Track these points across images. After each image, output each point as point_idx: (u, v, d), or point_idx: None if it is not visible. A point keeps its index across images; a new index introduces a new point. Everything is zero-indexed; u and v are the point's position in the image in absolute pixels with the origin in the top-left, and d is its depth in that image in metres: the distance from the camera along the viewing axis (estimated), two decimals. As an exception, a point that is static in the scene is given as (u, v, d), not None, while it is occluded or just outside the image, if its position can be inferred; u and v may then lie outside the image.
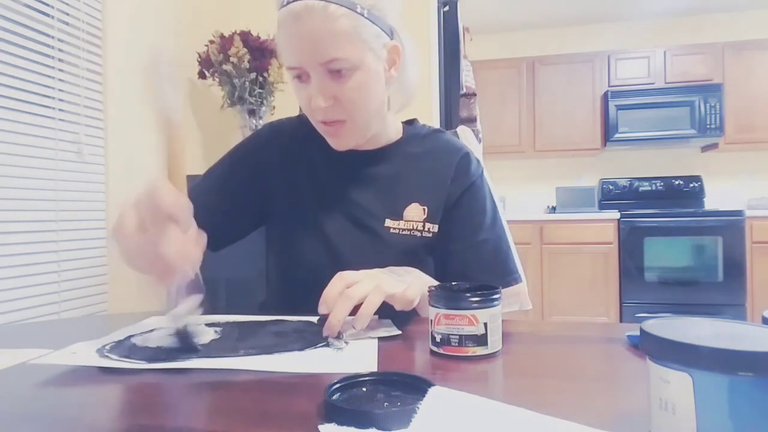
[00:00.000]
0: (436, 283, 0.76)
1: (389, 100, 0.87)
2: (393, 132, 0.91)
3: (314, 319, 0.67)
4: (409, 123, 0.95)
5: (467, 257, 0.85)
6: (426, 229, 0.85)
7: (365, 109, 0.79)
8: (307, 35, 0.71)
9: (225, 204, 0.86)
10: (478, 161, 0.92)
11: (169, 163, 0.57)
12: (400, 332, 0.61)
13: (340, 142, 0.82)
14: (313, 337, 0.58)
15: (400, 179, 0.87)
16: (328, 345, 0.55)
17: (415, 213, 0.85)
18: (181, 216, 0.52)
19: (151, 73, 0.55)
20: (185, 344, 0.55)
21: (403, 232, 0.84)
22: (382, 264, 0.74)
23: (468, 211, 0.87)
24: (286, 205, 0.89)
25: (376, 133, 0.87)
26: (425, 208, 0.86)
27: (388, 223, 0.84)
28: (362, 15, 0.73)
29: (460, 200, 0.87)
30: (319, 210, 0.86)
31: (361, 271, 0.65)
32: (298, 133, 0.92)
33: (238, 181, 0.89)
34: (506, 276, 0.86)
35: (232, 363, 0.50)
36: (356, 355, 0.52)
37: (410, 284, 0.65)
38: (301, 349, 0.54)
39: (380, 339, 0.59)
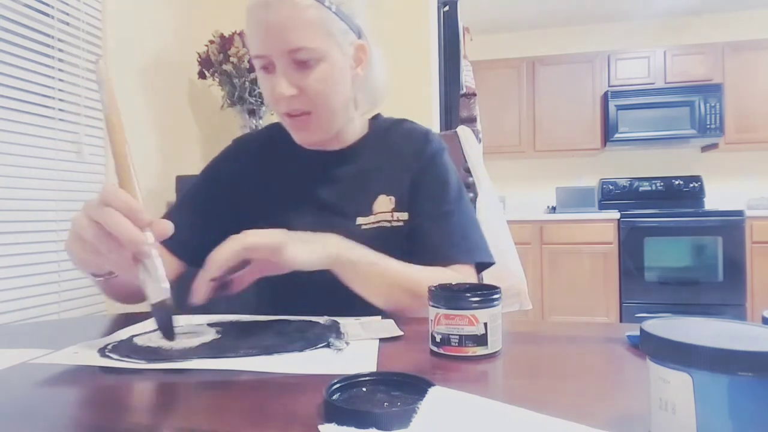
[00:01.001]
0: (352, 245, 0.73)
1: (356, 100, 0.88)
2: (359, 131, 0.92)
3: (319, 319, 0.67)
4: (374, 118, 0.96)
5: (431, 230, 0.84)
6: (395, 218, 0.85)
7: (330, 102, 0.79)
8: (274, 23, 0.73)
9: (199, 221, 0.86)
10: (439, 140, 0.92)
11: (116, 164, 0.57)
12: (401, 333, 0.60)
13: (304, 135, 0.82)
14: (314, 337, 0.58)
15: (367, 175, 0.88)
16: (328, 346, 0.55)
17: (383, 204, 0.85)
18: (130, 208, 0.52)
19: (97, 81, 0.58)
20: (164, 322, 0.55)
21: (374, 226, 0.85)
22: None
23: (429, 186, 0.87)
24: (259, 215, 0.89)
25: (342, 132, 0.88)
26: (392, 197, 0.86)
27: (360, 220, 0.85)
28: (330, 9, 0.75)
29: (421, 178, 0.87)
30: (291, 215, 0.87)
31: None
32: (264, 144, 0.94)
33: (210, 197, 0.91)
34: (472, 251, 0.84)
35: (232, 363, 0.50)
36: (356, 356, 0.52)
37: (292, 239, 0.65)
38: (301, 349, 0.54)
39: (381, 340, 0.59)
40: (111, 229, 0.51)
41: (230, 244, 0.62)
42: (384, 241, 0.83)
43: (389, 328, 0.63)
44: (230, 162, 0.94)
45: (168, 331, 0.55)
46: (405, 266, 0.76)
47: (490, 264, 0.86)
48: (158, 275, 0.54)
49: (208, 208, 0.90)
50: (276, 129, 0.92)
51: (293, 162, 0.90)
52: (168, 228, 0.55)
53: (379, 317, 0.71)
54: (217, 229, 0.89)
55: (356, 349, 0.54)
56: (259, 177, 0.91)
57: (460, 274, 0.80)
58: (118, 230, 0.51)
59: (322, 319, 0.67)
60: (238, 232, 0.92)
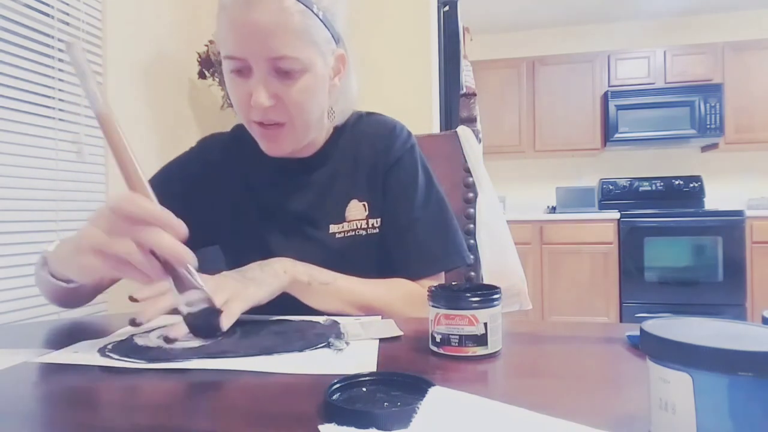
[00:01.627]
0: (305, 267, 0.71)
1: (332, 111, 0.84)
2: (326, 133, 0.87)
3: (319, 319, 0.67)
4: None
5: (394, 244, 0.82)
6: (370, 225, 0.83)
7: (308, 115, 0.74)
8: (257, 26, 0.66)
9: None
10: (408, 134, 0.87)
11: (120, 163, 0.52)
12: (401, 332, 0.60)
13: (275, 147, 0.76)
14: (314, 337, 0.58)
15: (337, 179, 0.84)
16: (328, 346, 0.55)
17: (356, 211, 0.83)
18: (162, 218, 0.50)
19: (73, 66, 0.52)
20: (208, 325, 0.55)
21: (348, 234, 0.82)
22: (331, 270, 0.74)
23: (394, 191, 0.83)
24: (229, 223, 0.86)
25: (312, 140, 0.83)
26: (365, 203, 0.83)
27: (333, 228, 0.82)
28: (317, 16, 0.70)
29: (388, 181, 0.83)
30: (262, 225, 0.84)
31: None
32: (233, 148, 0.88)
33: (167, 198, 0.83)
34: (437, 260, 0.81)
35: (231, 363, 0.50)
36: (356, 356, 0.52)
37: (239, 288, 0.61)
38: (301, 349, 0.54)
39: (381, 340, 0.59)
40: (157, 248, 0.49)
41: (165, 301, 0.56)
42: (359, 250, 0.82)
43: (389, 328, 0.63)
44: (199, 164, 0.88)
45: (213, 332, 0.56)
46: (357, 283, 0.75)
47: (464, 266, 0.85)
48: (199, 281, 0.55)
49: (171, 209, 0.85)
50: (243, 132, 0.83)
51: (261, 169, 0.84)
52: (184, 232, 0.52)
53: (379, 317, 0.71)
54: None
55: (356, 349, 0.54)
56: (223, 183, 0.86)
57: (422, 287, 0.79)
58: (164, 249, 0.49)
59: (322, 319, 0.67)
60: (210, 237, 0.87)
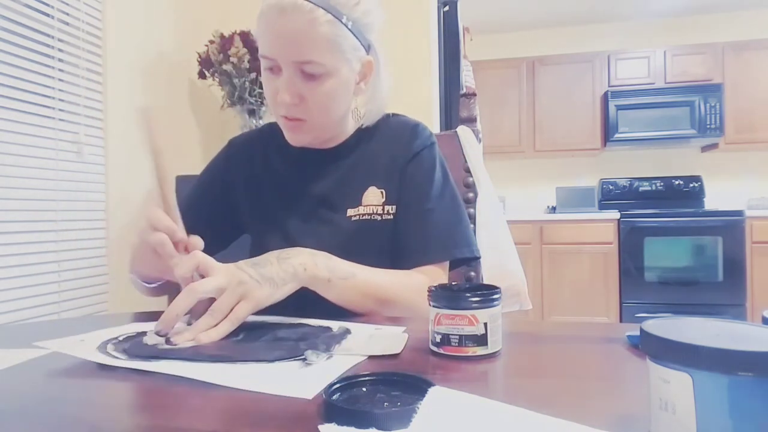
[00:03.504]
0: (323, 261, 0.71)
1: (359, 111, 0.90)
2: (351, 128, 0.92)
3: (333, 324, 0.64)
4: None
5: (407, 231, 0.85)
6: (385, 211, 0.86)
7: (328, 115, 0.81)
8: (287, 32, 0.73)
9: (201, 223, 0.82)
10: (430, 134, 0.92)
11: (159, 186, 0.68)
12: (399, 351, 0.53)
13: (296, 137, 0.84)
14: (302, 347, 0.53)
15: (358, 168, 0.89)
16: (305, 358, 0.49)
17: (373, 197, 0.86)
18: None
19: (142, 125, 0.67)
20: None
21: (363, 218, 0.85)
22: (345, 254, 0.75)
23: (412, 183, 0.87)
24: (254, 213, 0.92)
25: (335, 135, 0.89)
26: (383, 191, 0.86)
27: (349, 212, 0.85)
28: (346, 26, 0.75)
29: (406, 173, 0.87)
30: (282, 208, 0.89)
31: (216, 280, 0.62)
32: (258, 143, 0.95)
33: (210, 198, 0.94)
34: (448, 248, 0.84)
35: (184, 369, 0.47)
36: (310, 377, 0.45)
37: (255, 281, 0.63)
38: (273, 360, 0.50)
39: (369, 357, 0.51)
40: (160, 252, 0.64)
41: (184, 296, 0.59)
42: (373, 233, 0.85)
43: (394, 344, 0.56)
44: (226, 163, 0.96)
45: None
46: (377, 275, 0.76)
47: (473, 259, 0.87)
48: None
49: (209, 210, 0.92)
50: (270, 128, 0.95)
51: (286, 160, 0.91)
52: (198, 244, 0.67)
53: (398, 329, 0.64)
54: (216, 229, 0.90)
55: (330, 364, 0.49)
56: (253, 177, 0.93)
57: (428, 276, 0.80)
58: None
59: (335, 326, 0.63)
60: (235, 232, 0.96)
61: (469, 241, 0.87)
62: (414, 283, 0.79)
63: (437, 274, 0.83)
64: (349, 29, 0.76)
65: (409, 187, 0.87)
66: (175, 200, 0.68)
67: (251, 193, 0.92)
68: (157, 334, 0.57)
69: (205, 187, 0.96)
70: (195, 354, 0.53)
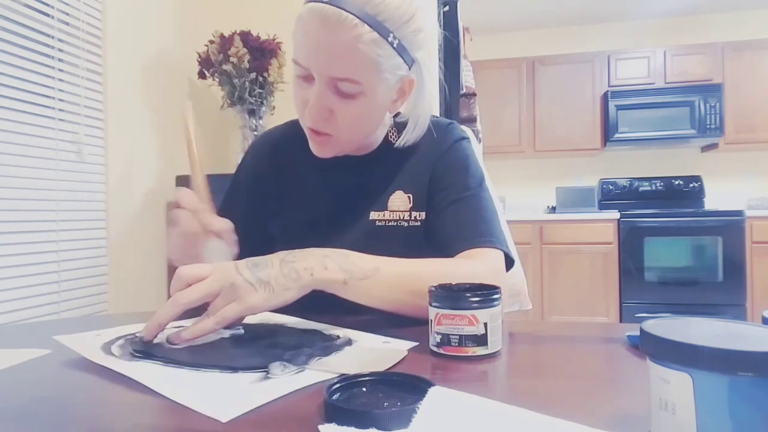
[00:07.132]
0: (338, 261, 0.64)
1: (393, 128, 0.87)
2: (380, 138, 0.88)
3: (339, 332, 0.61)
4: (395, 116, 0.92)
5: (448, 215, 0.79)
6: (413, 218, 0.83)
7: (355, 133, 0.78)
8: (326, 45, 0.67)
9: (244, 221, 0.82)
10: (460, 131, 0.89)
11: (191, 170, 0.74)
12: (392, 364, 0.49)
13: (321, 149, 0.79)
14: (278, 357, 0.49)
15: (386, 171, 0.86)
16: (267, 372, 0.46)
17: (399, 202, 0.83)
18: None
19: (184, 114, 0.76)
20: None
21: (389, 224, 0.83)
22: None
23: (448, 172, 0.83)
24: (278, 211, 0.90)
25: (364, 145, 0.85)
26: (410, 195, 0.83)
27: (373, 216, 0.83)
28: (391, 45, 0.69)
29: (440, 166, 0.84)
30: (305, 208, 0.87)
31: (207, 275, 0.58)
32: (288, 141, 0.91)
33: (246, 199, 0.92)
34: (495, 234, 0.77)
35: (139, 373, 0.47)
36: (249, 395, 0.42)
37: (249, 283, 0.58)
38: (236, 370, 0.47)
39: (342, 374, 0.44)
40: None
41: (168, 307, 0.56)
42: (398, 240, 0.82)
43: (388, 359, 0.51)
44: (260, 162, 0.93)
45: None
46: (406, 264, 0.67)
47: (510, 259, 0.79)
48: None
49: (250, 208, 0.91)
50: (298, 125, 0.86)
51: (312, 159, 0.84)
52: (222, 225, 0.71)
53: (413, 345, 0.57)
54: (253, 231, 0.88)
55: (295, 379, 0.45)
56: (281, 177, 0.91)
57: (478, 259, 0.72)
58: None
59: (341, 333, 0.60)
60: (263, 227, 0.93)
61: (506, 241, 0.80)
62: (462, 268, 0.70)
63: (492, 257, 0.73)
64: (394, 48, 0.69)
65: (445, 179, 0.82)
66: (204, 184, 0.73)
67: (280, 193, 0.90)
68: (140, 340, 0.56)
69: (241, 185, 0.93)
70: (170, 357, 0.51)
